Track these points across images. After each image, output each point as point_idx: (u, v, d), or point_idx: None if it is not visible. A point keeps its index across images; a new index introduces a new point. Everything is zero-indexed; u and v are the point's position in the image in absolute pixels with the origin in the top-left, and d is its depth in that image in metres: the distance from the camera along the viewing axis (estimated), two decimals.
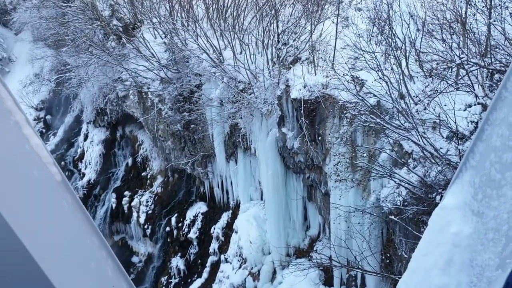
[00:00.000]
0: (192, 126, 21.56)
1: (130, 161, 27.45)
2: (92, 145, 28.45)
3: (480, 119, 11.57)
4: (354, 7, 19.98)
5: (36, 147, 1.71)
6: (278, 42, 17.33)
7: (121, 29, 23.03)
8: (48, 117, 32.47)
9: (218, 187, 23.26)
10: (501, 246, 1.98)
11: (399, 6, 14.70)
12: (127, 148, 28.07)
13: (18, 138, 1.66)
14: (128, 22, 23.52)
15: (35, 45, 31.74)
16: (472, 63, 11.27)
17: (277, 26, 17.04)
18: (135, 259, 26.40)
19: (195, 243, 23.75)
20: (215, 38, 18.84)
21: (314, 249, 19.20)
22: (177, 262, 24.09)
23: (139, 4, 22.90)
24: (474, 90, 11.75)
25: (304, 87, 16.01)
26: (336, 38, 16.17)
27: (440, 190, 11.19)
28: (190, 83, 20.29)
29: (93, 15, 22.96)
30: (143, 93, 22.79)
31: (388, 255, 14.74)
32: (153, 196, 25.48)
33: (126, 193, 26.38)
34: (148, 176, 26.36)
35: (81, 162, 28.89)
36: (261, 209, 20.47)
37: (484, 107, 11.59)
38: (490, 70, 11.53)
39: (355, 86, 14.36)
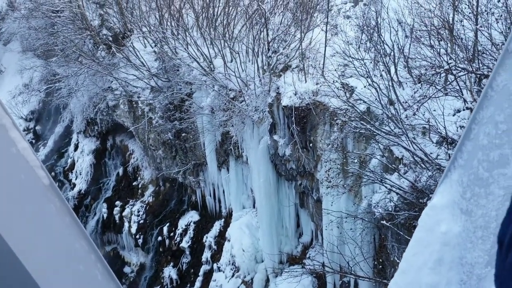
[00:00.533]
0: (183, 134, 21.51)
1: (121, 170, 27.27)
2: (82, 155, 28.24)
3: None
4: (343, 15, 20.18)
5: (23, 151, 1.69)
6: (268, 50, 17.40)
7: (110, 39, 23.00)
8: (38, 127, 32.22)
9: (210, 196, 23.17)
10: (490, 244, 1.98)
11: (387, 13, 14.85)
12: (118, 158, 27.90)
13: (5, 141, 1.64)
14: (118, 31, 23.49)
15: (24, 55, 31.56)
16: (460, 69, 11.40)
17: (267, 34, 17.12)
18: (127, 269, 26.16)
19: (187, 252, 23.60)
20: (205, 46, 18.88)
21: (307, 255, 19.16)
22: (169, 272, 23.90)
23: (129, 14, 22.91)
24: (462, 95, 11.88)
25: (295, 95, 16.07)
26: (325, 46, 16.28)
27: (431, 195, 11.24)
28: (181, 91, 20.27)
29: (83, 25, 22.92)
30: (134, 102, 22.73)
31: (380, 260, 14.76)
32: (145, 205, 25.31)
33: (117, 203, 26.18)
34: (139, 186, 26.21)
35: (72, 172, 28.65)
36: (254, 217, 20.41)
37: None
38: (478, 75, 11.66)
39: (345, 93, 14.45)
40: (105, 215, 26.35)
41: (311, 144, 16.45)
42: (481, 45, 11.93)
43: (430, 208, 2.22)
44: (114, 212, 26.01)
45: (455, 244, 2.08)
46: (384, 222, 12.59)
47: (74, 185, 27.98)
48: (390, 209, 12.63)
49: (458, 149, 2.13)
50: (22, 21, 28.49)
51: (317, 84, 16.01)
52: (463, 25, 12.87)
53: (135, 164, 26.45)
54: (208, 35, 19.04)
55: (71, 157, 29.14)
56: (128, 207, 25.67)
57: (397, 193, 12.46)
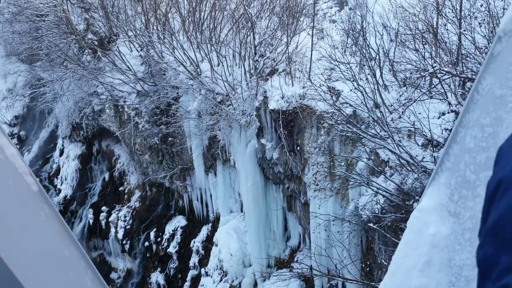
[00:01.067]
0: (170, 139, 21.41)
1: (107, 176, 27.04)
2: (68, 161, 27.95)
3: None
4: (328, 19, 20.31)
5: (11, 157, 1.67)
6: (255, 54, 17.44)
7: (96, 43, 22.85)
8: (22, 132, 31.81)
9: (198, 200, 23.07)
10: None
11: (372, 17, 14.97)
12: (104, 163, 27.66)
13: None
14: (104, 35, 23.35)
15: (8, 60, 31.16)
16: (444, 72, 11.54)
17: (254, 38, 17.16)
18: (114, 275, 25.90)
19: (174, 257, 23.46)
20: (192, 50, 18.84)
21: (295, 259, 19.18)
22: (157, 277, 23.72)
23: (115, 18, 22.78)
24: (447, 98, 12.02)
25: (282, 98, 16.12)
26: (311, 50, 16.36)
27: (417, 197, 11.34)
28: (167, 95, 20.19)
29: (68, 29, 22.72)
30: (119, 107, 22.57)
31: (368, 263, 14.83)
32: (131, 211, 25.11)
33: (104, 208, 25.94)
34: (126, 191, 26.00)
35: (57, 178, 28.33)
36: (241, 221, 20.38)
37: (457, 114, 11.86)
38: (462, 79, 11.82)
39: (332, 96, 14.53)
40: (91, 221, 26.10)
41: (298, 148, 16.50)
42: (465, 48, 12.10)
43: (419, 210, 2.24)
44: (100, 218, 25.76)
45: (444, 246, 2.11)
46: (371, 224, 12.66)
47: (60, 190, 27.67)
48: (376, 212, 12.71)
49: (445, 152, 2.16)
50: (5, 25, 28.13)
51: (304, 87, 16.08)
52: (447, 29, 13.05)
53: (121, 169, 26.24)
54: (194, 39, 19.02)
55: (56, 163, 28.82)
56: (114, 212, 25.45)
57: (384, 196, 12.54)
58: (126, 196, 25.84)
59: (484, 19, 11.91)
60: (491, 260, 0.93)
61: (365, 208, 13.18)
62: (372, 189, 12.83)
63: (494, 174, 1.04)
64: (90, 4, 23.54)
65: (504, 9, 11.60)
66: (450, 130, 11.76)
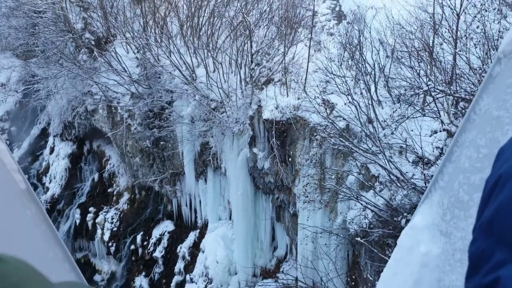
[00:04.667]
0: (161, 143, 21.32)
1: (96, 176, 26.83)
2: (58, 159, 27.70)
3: (445, 145, 11.90)
4: (326, 32, 20.41)
5: (0, 153, 1.63)
6: (252, 62, 17.46)
7: (93, 43, 22.75)
8: (13, 128, 31.50)
9: (186, 206, 22.95)
10: None
11: (370, 33, 15.08)
12: (94, 163, 27.45)
13: None
14: (101, 35, 23.27)
15: (2, 54, 30.93)
16: (438, 91, 11.62)
17: (251, 47, 17.20)
18: (97, 277, 25.62)
19: (160, 262, 23.26)
20: (188, 55, 18.83)
21: (281, 269, 19.10)
22: (141, 282, 23.50)
23: (113, 19, 22.72)
24: (440, 116, 12.09)
25: (276, 108, 16.12)
26: (308, 61, 16.42)
27: (405, 214, 11.36)
28: (161, 99, 20.13)
29: (65, 27, 22.63)
30: (113, 108, 22.46)
31: (353, 277, 14.80)
32: (119, 213, 24.91)
33: (91, 209, 25.71)
34: (115, 193, 25.80)
35: (46, 176, 28.07)
36: (229, 229, 20.29)
37: (449, 133, 11.93)
38: (456, 98, 11.91)
39: (326, 109, 14.57)
40: (77, 221, 25.84)
41: (290, 159, 16.49)
42: (460, 68, 12.21)
43: (410, 228, 2.22)
44: (87, 219, 25.53)
45: (434, 266, 2.08)
46: (358, 238, 12.65)
47: (48, 189, 27.39)
48: (364, 226, 12.72)
49: (440, 171, 2.14)
50: (2, 19, 27.96)
51: (298, 99, 16.11)
52: (442, 48, 13.18)
53: (111, 171, 26.06)
54: (191, 44, 19.01)
55: (46, 160, 28.56)
56: (102, 213, 25.23)
57: (372, 211, 12.55)
58: (114, 198, 25.64)
59: (479, 41, 12.05)
60: (484, 254, 0.94)
61: (353, 222, 13.18)
62: (361, 204, 12.84)
63: (493, 172, 1.07)
64: (89, 4, 23.49)
65: (500, 31, 11.74)
66: (441, 149, 11.82)
